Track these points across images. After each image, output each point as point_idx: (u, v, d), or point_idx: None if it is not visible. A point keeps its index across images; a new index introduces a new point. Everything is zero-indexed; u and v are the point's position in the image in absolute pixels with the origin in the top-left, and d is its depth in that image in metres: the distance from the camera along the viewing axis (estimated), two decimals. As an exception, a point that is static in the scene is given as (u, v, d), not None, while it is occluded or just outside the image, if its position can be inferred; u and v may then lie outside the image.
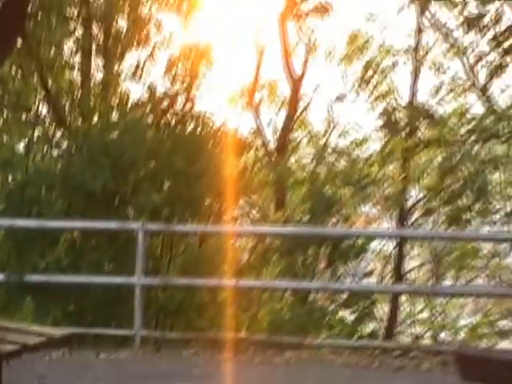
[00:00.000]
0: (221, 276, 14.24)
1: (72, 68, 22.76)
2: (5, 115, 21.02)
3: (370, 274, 22.61)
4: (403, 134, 22.68)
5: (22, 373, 9.48)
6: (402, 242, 23.61)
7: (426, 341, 24.25)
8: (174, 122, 17.78)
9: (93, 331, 12.63)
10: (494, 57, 19.82)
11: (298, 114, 24.63)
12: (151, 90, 19.73)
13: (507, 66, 19.59)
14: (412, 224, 23.86)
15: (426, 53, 23.49)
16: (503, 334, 23.28)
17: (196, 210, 15.62)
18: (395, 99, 23.72)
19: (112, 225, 13.50)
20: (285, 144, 24.11)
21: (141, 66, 21.95)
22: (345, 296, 17.45)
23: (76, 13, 22.04)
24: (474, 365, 4.81)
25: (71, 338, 9.48)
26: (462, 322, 26.02)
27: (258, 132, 24.53)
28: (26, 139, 20.00)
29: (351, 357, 12.66)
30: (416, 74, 23.53)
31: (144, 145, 15.64)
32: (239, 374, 11.20)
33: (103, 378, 11.05)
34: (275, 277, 16.61)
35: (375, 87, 24.11)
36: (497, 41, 19.15)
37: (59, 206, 14.72)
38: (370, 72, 24.15)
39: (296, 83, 24.19)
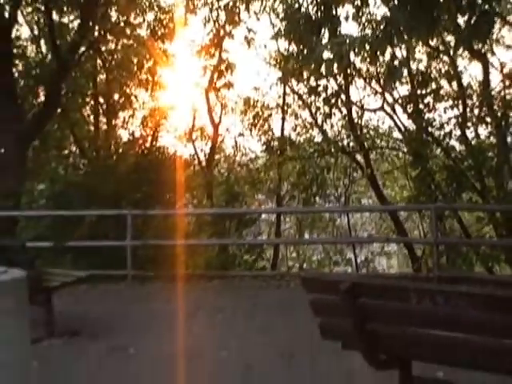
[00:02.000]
0: (176, 238, 14.27)
1: (88, 123, 22.73)
2: (51, 152, 20.95)
3: (261, 233, 22.71)
4: (277, 153, 22.76)
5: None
6: (279, 215, 23.81)
7: (295, 270, 24.39)
8: (145, 152, 17.86)
9: (104, 273, 12.63)
10: (325, 109, 20.03)
11: (217, 144, 24.68)
12: (132, 134, 19.84)
13: (333, 114, 19.82)
14: (285, 204, 23.90)
15: (289, 107, 23.63)
16: (336, 264, 23.54)
17: (161, 202, 15.69)
18: (273, 134, 23.82)
19: (113, 212, 13.58)
20: (211, 162, 24.13)
21: (126, 120, 22.07)
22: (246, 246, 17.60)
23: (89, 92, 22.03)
24: (312, 283, 4.91)
25: (90, 277, 9.57)
26: (315, 258, 26.26)
27: (196, 156, 24.54)
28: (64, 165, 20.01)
29: (251, 281, 12.85)
30: (283, 119, 23.73)
31: (129, 165, 15.74)
32: (188, 294, 11.42)
33: (118, 297, 11.43)
34: (208, 237, 16.59)
35: (261, 127, 24.15)
36: (327, 100, 19.37)
37: (82, 202, 14.70)
38: (257, 119, 24.21)
39: (216, 127, 24.27)
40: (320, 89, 18.99)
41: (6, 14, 15.64)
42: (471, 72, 18.54)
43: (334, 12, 8.08)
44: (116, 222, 13.73)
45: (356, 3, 7.99)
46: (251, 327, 8.87)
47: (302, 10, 8.37)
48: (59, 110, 19.18)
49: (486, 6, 6.99)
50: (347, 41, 7.44)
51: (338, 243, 23.79)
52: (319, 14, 7.96)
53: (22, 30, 21.20)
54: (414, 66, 18.52)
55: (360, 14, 9.14)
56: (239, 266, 16.52)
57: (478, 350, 4.24)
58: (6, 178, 14.21)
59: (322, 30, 7.86)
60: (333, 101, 19.41)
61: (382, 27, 7.89)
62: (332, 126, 21.50)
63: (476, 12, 6.99)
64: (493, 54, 18.21)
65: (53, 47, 16.82)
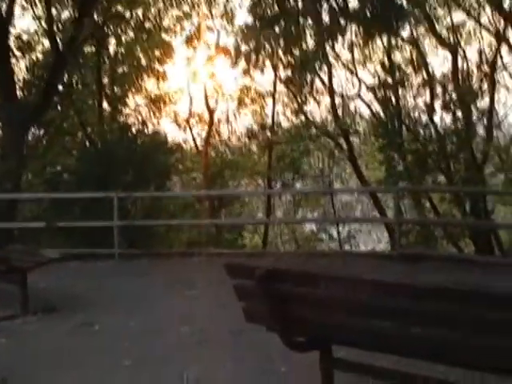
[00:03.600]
0: (161, 218, 14.10)
1: (94, 111, 22.43)
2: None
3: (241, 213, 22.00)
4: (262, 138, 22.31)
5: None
6: (269, 196, 22.99)
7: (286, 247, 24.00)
8: (140, 137, 17.50)
9: (93, 251, 12.52)
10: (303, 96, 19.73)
11: (212, 129, 24.21)
12: (127, 120, 19.63)
13: (309, 101, 19.55)
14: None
15: (279, 96, 23.12)
16: (321, 240, 23.06)
17: (151, 184, 15.45)
18: (263, 120, 23.32)
19: (101, 194, 13.31)
20: (207, 145, 23.78)
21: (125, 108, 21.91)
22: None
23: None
24: (234, 269, 4.77)
25: (64, 258, 9.39)
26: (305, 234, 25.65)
27: (193, 140, 24.26)
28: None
29: (230, 259, 12.54)
30: (274, 107, 23.16)
31: (122, 152, 15.50)
32: (167, 270, 11.46)
33: (103, 274, 11.28)
34: (191, 217, 16.22)
35: (254, 113, 23.77)
36: (300, 88, 19.03)
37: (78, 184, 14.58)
38: (251, 107, 23.84)
39: (211, 114, 23.92)
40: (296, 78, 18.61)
41: (4, 9, 15.42)
42: (440, 62, 18.13)
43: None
44: (108, 204, 13.49)
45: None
46: (216, 304, 8.70)
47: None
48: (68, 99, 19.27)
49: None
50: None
51: (305, 222, 23.28)
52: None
53: (24, 24, 20.98)
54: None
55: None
56: (220, 244, 16.18)
57: (381, 334, 4.05)
58: (5, 163, 14.06)
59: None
60: (308, 88, 19.08)
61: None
62: (315, 112, 21.17)
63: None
64: (460, 45, 18.00)
65: (51, 40, 16.68)
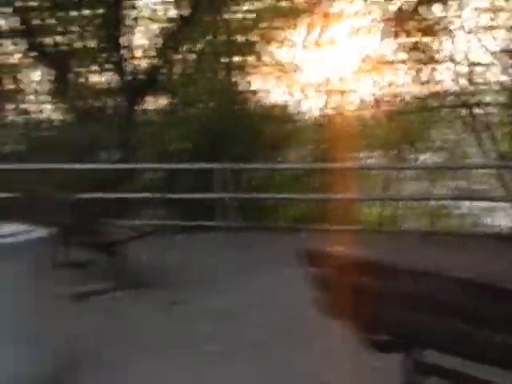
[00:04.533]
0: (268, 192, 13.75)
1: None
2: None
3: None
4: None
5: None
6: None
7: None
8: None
9: (199, 223, 12.35)
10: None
11: (336, 98, 23.18)
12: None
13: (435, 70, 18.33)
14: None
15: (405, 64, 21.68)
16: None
17: (261, 157, 15.03)
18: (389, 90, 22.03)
19: (211, 165, 12.77)
20: (330, 115, 22.76)
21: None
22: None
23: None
24: (312, 256, 4.31)
25: (156, 231, 9.20)
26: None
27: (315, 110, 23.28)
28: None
29: (344, 236, 11.90)
30: (399, 76, 21.61)
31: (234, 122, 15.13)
32: (276, 244, 10.91)
33: (206, 247, 11.07)
34: (305, 191, 15.37)
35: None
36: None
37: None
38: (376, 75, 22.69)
39: (335, 82, 22.84)
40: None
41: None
42: None
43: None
44: (220, 176, 13.03)
45: None
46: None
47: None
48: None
49: None
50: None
51: (430, 198, 21.65)
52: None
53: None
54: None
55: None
56: (334, 219, 15.34)
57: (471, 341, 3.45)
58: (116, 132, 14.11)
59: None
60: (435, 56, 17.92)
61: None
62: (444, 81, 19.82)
63: None
64: None
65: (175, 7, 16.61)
